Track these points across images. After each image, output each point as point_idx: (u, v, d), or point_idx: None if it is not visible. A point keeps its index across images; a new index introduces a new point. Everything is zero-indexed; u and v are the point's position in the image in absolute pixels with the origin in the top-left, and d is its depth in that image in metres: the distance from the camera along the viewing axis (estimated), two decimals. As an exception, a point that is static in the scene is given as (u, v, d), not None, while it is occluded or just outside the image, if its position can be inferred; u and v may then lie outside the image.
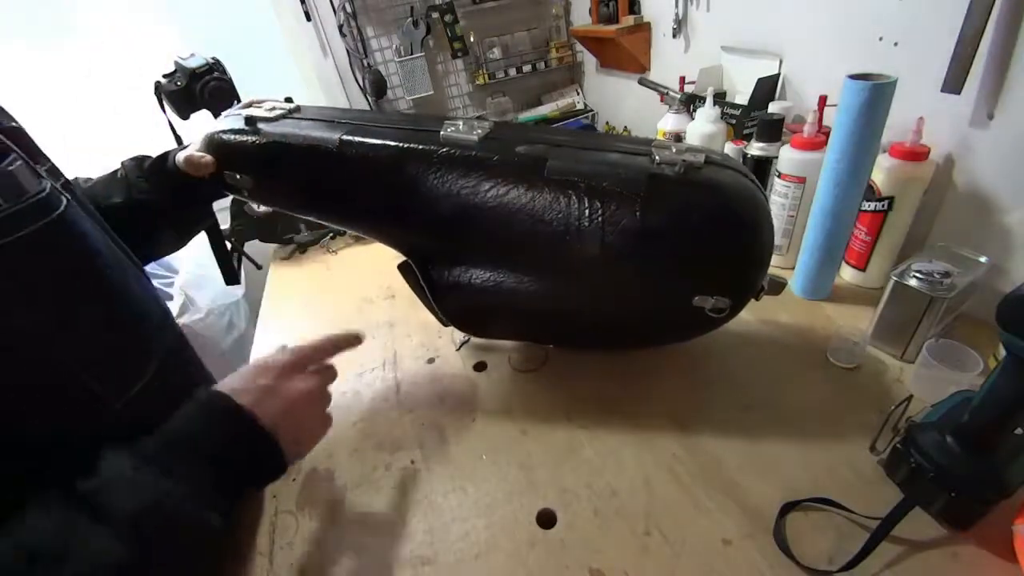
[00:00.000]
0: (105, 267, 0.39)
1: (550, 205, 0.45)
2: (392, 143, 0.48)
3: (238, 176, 0.52)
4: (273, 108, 0.54)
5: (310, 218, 0.60)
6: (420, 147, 0.47)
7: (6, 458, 0.31)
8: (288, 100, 0.58)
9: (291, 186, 0.54)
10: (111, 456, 0.31)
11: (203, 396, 0.37)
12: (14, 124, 0.39)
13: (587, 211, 0.44)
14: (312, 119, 0.52)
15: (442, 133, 0.47)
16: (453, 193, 0.47)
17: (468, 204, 0.47)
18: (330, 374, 0.46)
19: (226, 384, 0.39)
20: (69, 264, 0.36)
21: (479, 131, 0.47)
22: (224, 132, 0.52)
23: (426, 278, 0.53)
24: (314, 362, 0.45)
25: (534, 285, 0.49)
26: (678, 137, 0.48)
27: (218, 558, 0.34)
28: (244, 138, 0.51)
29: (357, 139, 0.48)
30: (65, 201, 0.36)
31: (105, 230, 0.42)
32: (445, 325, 0.61)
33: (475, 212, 0.47)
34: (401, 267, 0.57)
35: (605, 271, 0.46)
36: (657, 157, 0.44)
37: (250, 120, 0.52)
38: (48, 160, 0.40)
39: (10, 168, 0.33)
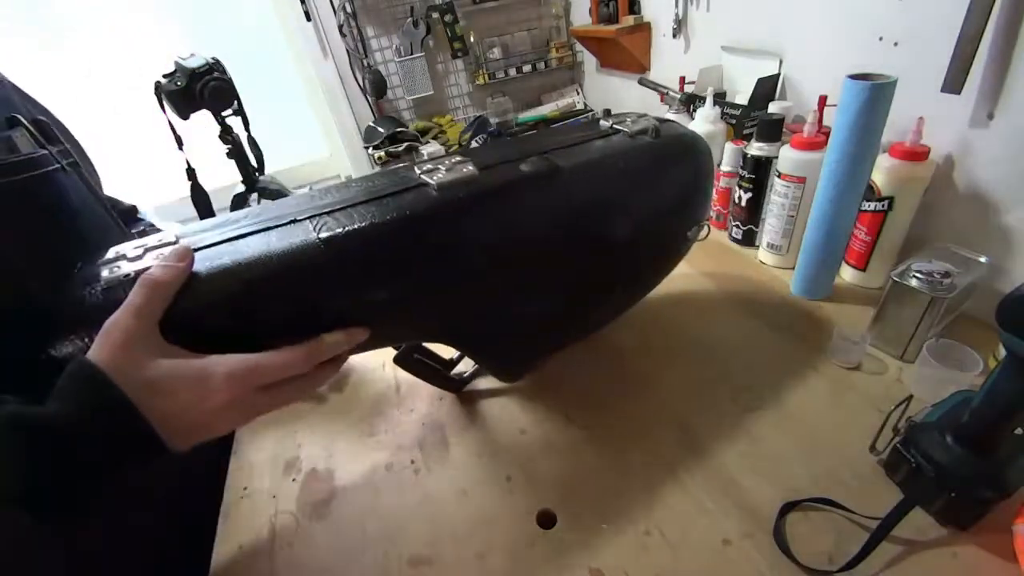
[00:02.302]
0: (79, 224, 0.44)
1: (580, 204, 0.45)
2: (391, 216, 0.36)
3: None
4: (151, 249, 0.34)
5: None
6: (426, 206, 0.37)
7: None
8: (139, 233, 0.40)
9: (263, 337, 0.34)
10: None
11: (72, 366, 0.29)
12: (41, 118, 0.45)
13: (609, 195, 0.47)
14: (227, 240, 0.35)
15: (433, 180, 0.39)
16: (483, 235, 0.40)
17: (503, 240, 0.41)
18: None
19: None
20: (44, 213, 0.41)
21: (469, 167, 0.40)
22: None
23: (470, 348, 0.49)
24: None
25: (575, 290, 0.50)
26: (608, 112, 0.51)
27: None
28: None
29: (342, 230, 0.35)
30: (58, 166, 0.43)
31: (98, 201, 0.48)
32: (458, 392, 0.59)
33: (512, 244, 0.42)
34: (399, 360, 0.53)
35: (633, 245, 0.50)
36: (625, 129, 0.49)
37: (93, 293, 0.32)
38: (63, 144, 0.46)
39: (11, 134, 0.40)
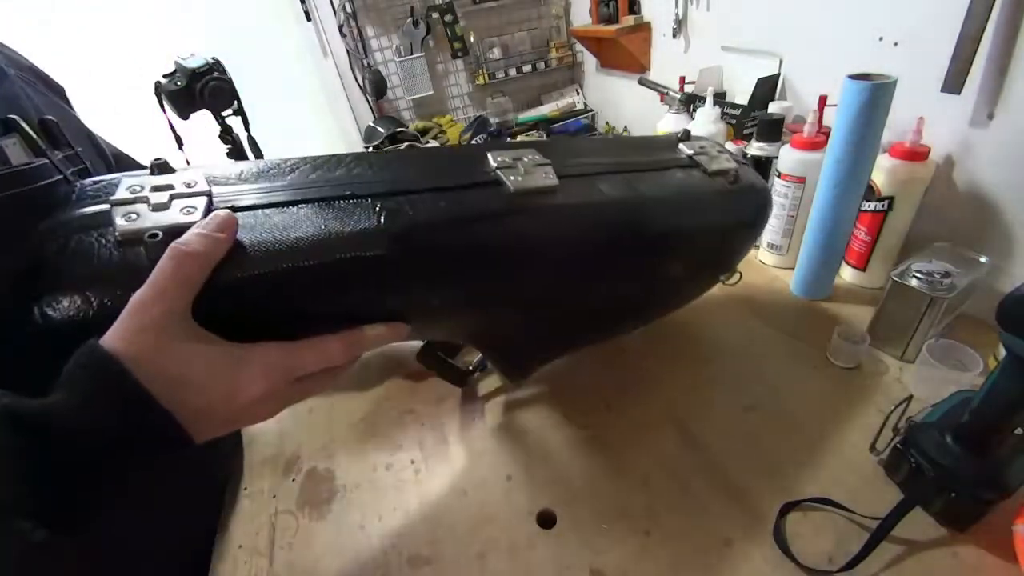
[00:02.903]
0: None
1: (649, 236, 0.43)
2: (464, 214, 0.33)
3: None
4: (179, 196, 0.30)
5: None
6: (501, 209, 0.35)
7: None
8: (159, 166, 0.32)
9: (300, 326, 0.31)
10: None
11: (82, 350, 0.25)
12: (48, 118, 0.41)
13: (678, 234, 0.45)
14: (272, 204, 0.31)
15: (509, 181, 0.36)
16: (549, 248, 0.38)
17: (569, 256, 0.39)
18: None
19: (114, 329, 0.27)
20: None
21: (550, 174, 0.37)
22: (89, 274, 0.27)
23: (504, 359, 0.49)
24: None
25: (610, 307, 0.49)
26: (688, 134, 0.49)
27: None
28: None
29: (409, 222, 0.31)
30: (59, 177, 0.37)
31: None
32: (463, 387, 0.59)
33: (576, 261, 0.40)
34: (422, 357, 0.53)
35: (683, 278, 0.50)
36: (707, 167, 0.47)
37: (172, 232, 0.27)
38: (73, 150, 0.41)
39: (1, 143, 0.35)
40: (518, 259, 0.37)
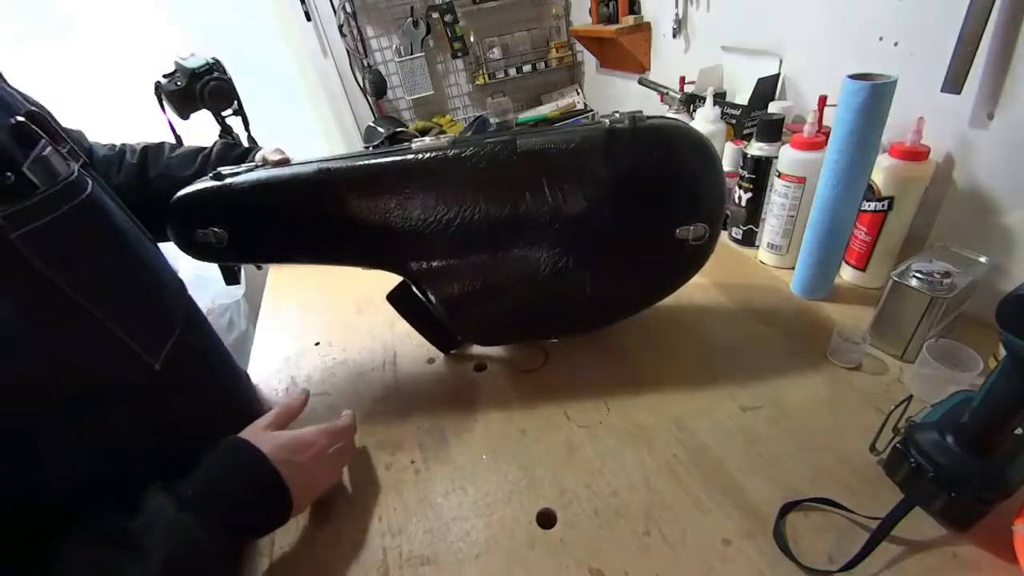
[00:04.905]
0: (127, 241, 0.43)
1: (528, 178, 0.50)
2: (370, 162, 0.50)
3: (214, 231, 0.51)
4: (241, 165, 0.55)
5: (296, 262, 0.57)
6: (397, 159, 0.50)
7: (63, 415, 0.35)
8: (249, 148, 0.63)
9: (271, 229, 0.54)
10: (154, 496, 0.36)
11: (238, 446, 0.42)
12: (33, 108, 0.40)
13: (562, 174, 0.49)
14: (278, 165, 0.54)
15: (412, 145, 0.51)
16: (438, 195, 0.50)
17: (454, 201, 0.50)
18: (349, 448, 0.50)
19: (255, 437, 0.43)
20: (97, 239, 0.40)
21: (447, 139, 0.51)
22: (193, 191, 0.51)
23: (427, 299, 0.56)
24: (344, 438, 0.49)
25: (531, 265, 0.52)
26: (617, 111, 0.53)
27: None
28: (215, 191, 0.50)
29: (335, 166, 0.50)
30: (91, 183, 0.39)
31: (122, 208, 0.46)
32: (446, 352, 0.64)
33: (463, 208, 0.51)
34: (391, 298, 0.59)
35: (591, 228, 0.51)
36: (607, 121, 0.50)
37: (217, 175, 0.51)
38: (68, 142, 0.42)
39: (43, 154, 0.36)
40: (403, 176, 0.50)
